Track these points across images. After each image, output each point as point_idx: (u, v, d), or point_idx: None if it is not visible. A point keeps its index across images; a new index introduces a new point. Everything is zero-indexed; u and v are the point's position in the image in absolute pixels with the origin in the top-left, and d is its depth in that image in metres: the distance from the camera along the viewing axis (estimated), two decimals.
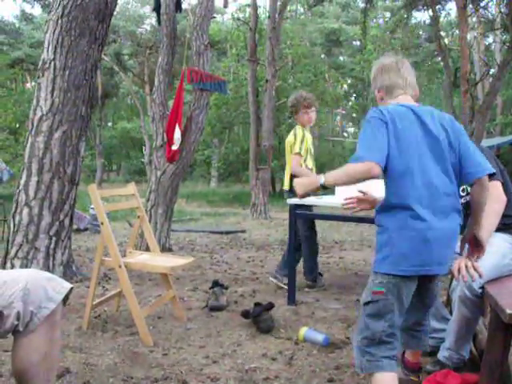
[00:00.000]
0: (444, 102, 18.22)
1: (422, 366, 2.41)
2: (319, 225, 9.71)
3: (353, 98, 35.30)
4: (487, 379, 2.31)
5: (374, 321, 2.00)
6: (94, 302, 3.40)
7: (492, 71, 16.86)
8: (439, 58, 22.11)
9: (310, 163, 4.43)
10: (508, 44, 12.35)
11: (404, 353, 2.46)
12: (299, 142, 4.32)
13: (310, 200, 4.15)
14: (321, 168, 23.57)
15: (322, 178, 2.06)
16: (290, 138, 4.41)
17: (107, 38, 5.10)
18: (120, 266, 3.16)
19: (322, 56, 31.16)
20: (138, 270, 3.34)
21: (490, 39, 23.80)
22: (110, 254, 3.22)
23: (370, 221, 4.79)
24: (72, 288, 1.82)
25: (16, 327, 1.69)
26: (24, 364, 1.74)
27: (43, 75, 4.59)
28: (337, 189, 4.08)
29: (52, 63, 4.55)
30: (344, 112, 36.06)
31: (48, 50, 4.58)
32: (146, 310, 3.35)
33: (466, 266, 2.33)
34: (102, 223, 3.21)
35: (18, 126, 22.56)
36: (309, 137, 4.45)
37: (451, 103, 13.45)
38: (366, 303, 2.04)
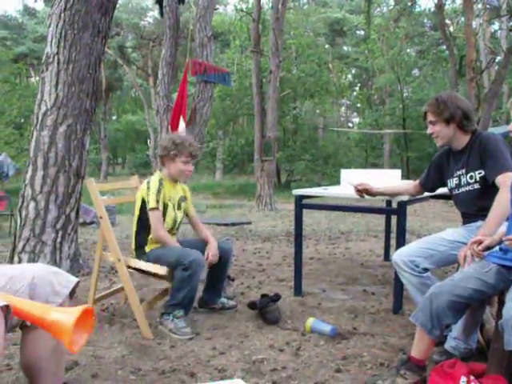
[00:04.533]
0: (449, 90, 18.10)
1: (426, 364, 2.40)
2: (326, 216, 9.74)
3: (357, 88, 35.14)
4: (495, 368, 2.31)
5: None
6: (97, 296, 3.41)
7: (498, 59, 16.74)
8: (444, 47, 21.95)
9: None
10: None
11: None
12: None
13: (316, 191, 4.15)
14: (326, 159, 23.27)
15: None
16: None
17: (110, 30, 5.08)
18: (119, 260, 3.15)
19: (326, 46, 30.97)
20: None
21: (496, 26, 23.63)
22: (110, 248, 3.22)
23: (375, 211, 4.81)
24: (78, 282, 1.83)
25: (24, 322, 1.70)
26: (32, 358, 1.75)
27: (47, 69, 4.58)
28: (342, 180, 4.08)
29: (56, 57, 4.54)
30: (348, 102, 35.94)
31: (51, 44, 4.57)
32: (146, 304, 3.37)
33: (472, 255, 2.33)
34: (101, 217, 3.21)
35: (22, 120, 22.61)
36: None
37: (457, 92, 13.38)
38: None
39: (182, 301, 3.09)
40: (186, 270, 3.01)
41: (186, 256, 3.04)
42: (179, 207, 3.41)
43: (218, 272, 3.47)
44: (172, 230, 3.37)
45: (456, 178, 2.94)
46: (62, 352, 1.83)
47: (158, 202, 3.19)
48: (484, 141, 2.79)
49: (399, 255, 2.83)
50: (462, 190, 2.90)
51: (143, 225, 3.28)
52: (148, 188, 3.23)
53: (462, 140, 2.88)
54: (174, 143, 3.29)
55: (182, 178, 3.42)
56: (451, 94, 2.96)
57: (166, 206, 3.28)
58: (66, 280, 1.80)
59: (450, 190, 3.02)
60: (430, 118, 2.89)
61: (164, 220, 3.27)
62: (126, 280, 3.14)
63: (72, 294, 1.81)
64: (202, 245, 3.37)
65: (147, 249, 3.28)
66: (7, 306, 1.50)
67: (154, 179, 3.26)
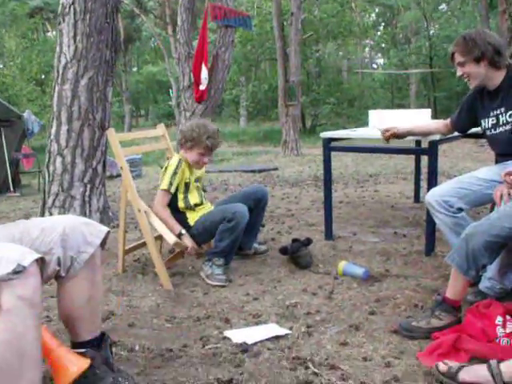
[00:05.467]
0: (480, 25, 17.41)
1: (461, 305, 2.37)
2: (353, 159, 9.63)
3: (381, 28, 34.08)
4: None
5: None
6: (127, 247, 3.44)
7: None
8: None
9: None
10: None
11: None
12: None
13: (345, 133, 4.06)
14: (351, 102, 22.96)
15: None
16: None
17: None
18: (139, 211, 3.13)
19: None
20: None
21: None
22: (131, 198, 3.20)
23: (405, 151, 4.71)
24: (109, 231, 1.83)
25: (58, 273, 1.71)
26: (69, 308, 1.78)
27: (64, 21, 4.50)
28: (370, 121, 3.98)
29: (72, 7, 4.44)
30: (373, 43, 34.98)
31: None
32: (172, 257, 3.43)
33: (509, 194, 2.26)
34: (122, 168, 3.19)
35: (43, 76, 22.62)
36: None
37: (488, 26, 12.85)
38: None
39: (223, 249, 3.14)
40: (230, 222, 3.07)
41: (230, 209, 3.13)
42: (196, 185, 3.44)
43: (255, 216, 3.48)
44: (201, 204, 3.41)
45: (493, 118, 2.81)
46: (97, 302, 1.86)
47: (171, 184, 3.22)
48: None
49: (432, 195, 2.76)
50: (501, 129, 2.78)
51: (172, 207, 3.30)
52: (165, 169, 3.28)
53: (497, 77, 2.74)
54: (192, 134, 3.27)
55: (197, 168, 3.41)
56: (478, 30, 2.81)
57: (187, 185, 3.33)
58: (98, 230, 1.79)
59: (485, 130, 2.90)
60: (459, 58, 2.74)
61: (190, 198, 3.33)
62: (146, 230, 3.14)
63: (103, 244, 1.81)
64: (249, 197, 3.44)
65: (191, 222, 3.30)
66: (42, 259, 1.50)
67: (173, 161, 3.27)
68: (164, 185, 3.21)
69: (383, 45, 31.23)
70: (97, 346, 1.84)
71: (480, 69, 2.70)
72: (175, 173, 3.22)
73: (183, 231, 3.20)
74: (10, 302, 1.37)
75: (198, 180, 3.47)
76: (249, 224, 3.33)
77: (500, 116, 2.76)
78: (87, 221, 1.83)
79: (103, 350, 1.85)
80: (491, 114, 2.81)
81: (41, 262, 1.49)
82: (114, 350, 2.13)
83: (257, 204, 3.45)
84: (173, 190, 3.23)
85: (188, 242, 3.18)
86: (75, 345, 1.84)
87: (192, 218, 3.30)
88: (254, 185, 3.54)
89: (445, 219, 2.72)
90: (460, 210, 2.70)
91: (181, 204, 3.31)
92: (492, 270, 2.56)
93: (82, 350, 1.80)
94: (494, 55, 2.66)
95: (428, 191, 2.91)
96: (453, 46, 2.77)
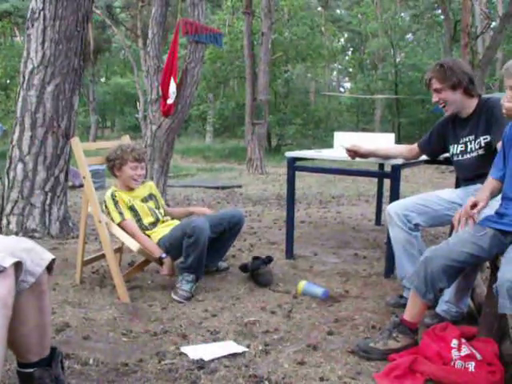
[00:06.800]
0: (443, 56, 17.93)
1: (418, 327, 2.41)
2: (317, 180, 9.72)
3: (349, 52, 34.77)
4: (485, 332, 2.33)
5: None
6: (86, 258, 3.38)
7: (493, 24, 16.55)
8: (439, 11, 21.67)
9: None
10: None
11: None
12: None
13: (310, 153, 4.11)
14: (317, 123, 23.19)
15: None
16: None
17: None
18: (100, 222, 3.10)
19: (319, 8, 30.50)
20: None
21: None
22: (92, 208, 3.16)
23: (368, 174, 4.77)
24: (54, 259, 1.71)
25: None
26: (14, 335, 1.66)
27: (32, 26, 4.44)
28: (335, 142, 4.04)
29: (41, 13, 4.39)
30: (340, 66, 35.60)
31: None
32: (132, 270, 3.39)
33: (466, 219, 2.32)
34: (84, 177, 3.15)
35: (8, 81, 22.18)
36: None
37: (451, 57, 13.25)
38: None
39: (190, 265, 3.10)
40: (190, 237, 3.04)
41: (189, 224, 3.09)
42: (147, 202, 3.40)
43: (228, 238, 3.51)
44: (157, 223, 3.37)
45: (462, 145, 2.91)
46: (45, 327, 1.74)
47: (121, 213, 3.21)
48: (492, 105, 2.76)
49: (393, 207, 2.82)
50: (467, 156, 2.88)
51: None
52: (106, 207, 3.24)
53: (470, 106, 2.85)
54: (116, 154, 3.28)
55: (135, 184, 3.34)
56: (454, 59, 2.95)
57: (133, 208, 3.28)
58: (40, 258, 1.66)
59: (453, 155, 2.99)
60: (436, 85, 2.83)
61: (142, 219, 3.29)
62: (106, 242, 3.09)
63: (50, 269, 1.73)
64: (226, 219, 3.42)
65: (154, 240, 3.26)
66: (19, 263, 1.46)
67: (107, 197, 3.26)
68: (117, 218, 3.19)
69: (351, 69, 31.86)
70: (46, 364, 1.78)
71: (456, 96, 2.80)
72: (116, 202, 3.22)
73: (163, 255, 3.19)
74: None
75: (150, 198, 3.44)
76: (219, 244, 3.37)
77: (468, 143, 2.86)
78: (30, 246, 1.67)
79: (53, 368, 1.79)
80: (461, 141, 2.91)
81: (17, 268, 1.45)
82: (67, 363, 2.08)
83: (232, 227, 3.45)
84: (128, 215, 3.23)
85: (167, 266, 3.18)
86: (22, 365, 1.77)
87: (154, 237, 3.27)
88: (232, 209, 3.54)
89: (400, 234, 2.78)
90: (416, 226, 2.76)
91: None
92: (449, 293, 2.62)
93: (30, 371, 1.74)
94: (469, 84, 2.78)
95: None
96: (430, 72, 2.86)
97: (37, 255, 1.66)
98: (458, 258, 2.19)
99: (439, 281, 2.22)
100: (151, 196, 3.46)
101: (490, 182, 2.42)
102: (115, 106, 35.22)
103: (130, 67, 31.01)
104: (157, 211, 3.42)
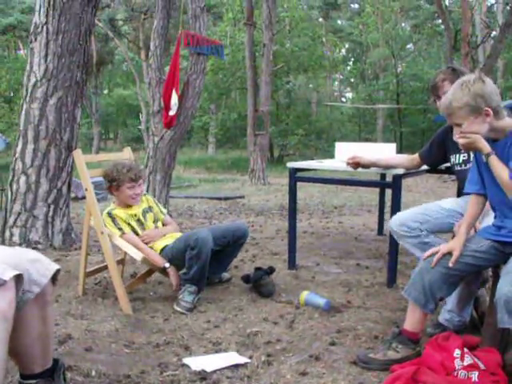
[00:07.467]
0: (444, 65, 17.99)
1: (420, 338, 2.40)
2: (319, 190, 9.73)
3: (351, 63, 34.90)
4: (488, 342, 2.32)
5: None
6: (89, 270, 3.39)
7: (494, 33, 16.61)
8: (439, 21, 21.76)
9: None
10: (511, 5, 12.12)
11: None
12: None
13: (311, 164, 4.12)
14: (319, 134, 23.24)
15: None
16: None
17: (100, 1, 4.97)
18: (102, 233, 3.11)
19: (320, 19, 30.67)
20: None
21: (493, 0, 23.38)
22: (94, 220, 3.17)
23: (370, 184, 4.79)
24: (59, 269, 1.73)
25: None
26: (17, 346, 1.69)
27: (36, 40, 4.48)
28: (336, 153, 4.05)
29: (44, 27, 4.43)
30: (342, 77, 35.72)
31: (40, 13, 4.45)
32: (134, 282, 3.40)
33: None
34: (86, 189, 3.17)
35: (12, 94, 22.32)
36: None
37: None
38: None
39: (193, 276, 3.11)
40: (193, 249, 3.05)
41: (192, 235, 3.10)
42: (145, 218, 3.40)
43: (231, 251, 3.53)
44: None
45: (464, 154, 2.91)
46: (48, 337, 1.75)
47: (120, 229, 3.23)
48: None
49: (394, 221, 2.82)
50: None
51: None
52: (105, 225, 3.23)
53: None
54: (113, 174, 3.28)
55: (134, 202, 3.35)
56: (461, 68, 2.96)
57: (130, 225, 3.30)
58: (45, 268, 1.68)
59: (455, 165, 3.00)
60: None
61: (140, 234, 3.31)
62: (108, 254, 3.10)
63: (54, 280, 1.74)
64: (230, 233, 3.44)
65: (156, 251, 3.28)
66: (20, 276, 1.47)
67: (104, 216, 3.25)
68: (117, 233, 3.20)
69: (352, 79, 31.98)
70: (48, 376, 1.78)
71: None
72: (113, 219, 3.24)
73: (167, 264, 3.20)
74: None
75: (148, 210, 3.44)
76: (222, 256, 3.38)
77: (471, 152, 2.86)
78: (35, 257, 1.70)
79: (56, 379, 1.79)
80: (462, 150, 2.90)
81: (18, 280, 1.46)
82: (69, 375, 2.08)
83: (236, 240, 3.46)
84: (127, 230, 3.25)
85: (174, 277, 3.20)
86: (24, 376, 1.78)
87: (156, 248, 3.29)
88: (237, 222, 3.57)
89: (411, 240, 2.77)
90: (422, 231, 2.76)
91: None
92: (451, 302, 2.62)
93: (32, 382, 1.75)
94: None
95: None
96: (441, 74, 2.90)
97: (42, 266, 1.68)
98: (456, 266, 2.19)
99: (439, 290, 2.22)
100: (149, 208, 3.47)
101: (472, 204, 2.37)
102: (118, 118, 35.43)
103: (132, 79, 31.16)
104: (153, 224, 3.43)
